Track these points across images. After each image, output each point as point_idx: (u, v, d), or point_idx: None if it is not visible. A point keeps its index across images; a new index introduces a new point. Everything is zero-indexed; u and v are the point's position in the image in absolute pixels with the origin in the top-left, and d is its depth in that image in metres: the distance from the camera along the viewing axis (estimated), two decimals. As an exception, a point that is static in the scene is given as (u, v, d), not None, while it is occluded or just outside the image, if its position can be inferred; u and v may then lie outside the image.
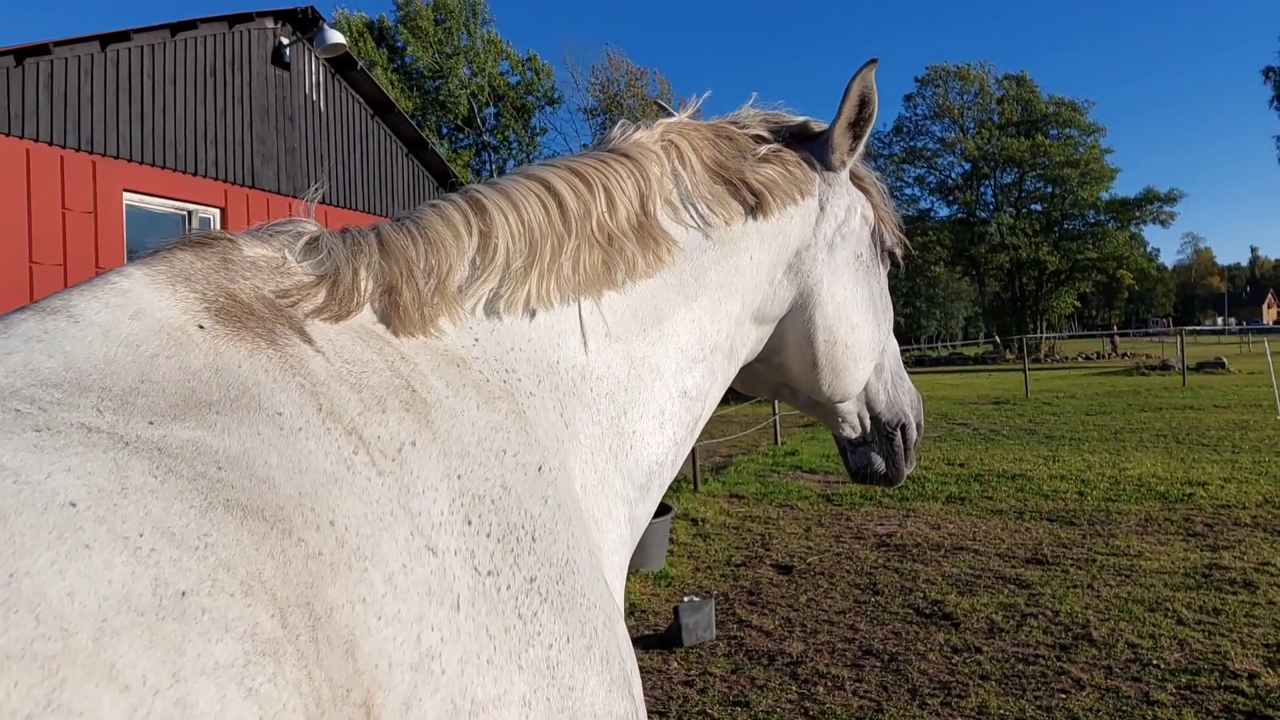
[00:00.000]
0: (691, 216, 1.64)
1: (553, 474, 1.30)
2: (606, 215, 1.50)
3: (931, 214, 70.59)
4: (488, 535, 1.13)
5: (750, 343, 1.82)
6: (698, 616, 6.48)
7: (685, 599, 6.93)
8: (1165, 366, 34.46)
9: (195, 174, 12.84)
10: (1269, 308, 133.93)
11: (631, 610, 7.20)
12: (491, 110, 57.17)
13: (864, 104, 1.74)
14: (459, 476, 1.14)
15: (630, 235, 1.53)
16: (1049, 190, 65.98)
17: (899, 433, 2.08)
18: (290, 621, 0.85)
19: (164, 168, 12.40)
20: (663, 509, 8.88)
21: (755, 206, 1.70)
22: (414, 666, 0.97)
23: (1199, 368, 32.90)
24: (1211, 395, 23.40)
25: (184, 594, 0.79)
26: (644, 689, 5.64)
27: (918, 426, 2.13)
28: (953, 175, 69.67)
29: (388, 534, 1.01)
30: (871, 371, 1.95)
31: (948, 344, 64.33)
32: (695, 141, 1.67)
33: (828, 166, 1.82)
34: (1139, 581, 7.41)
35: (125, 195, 11.94)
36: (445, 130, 55.77)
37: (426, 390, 1.21)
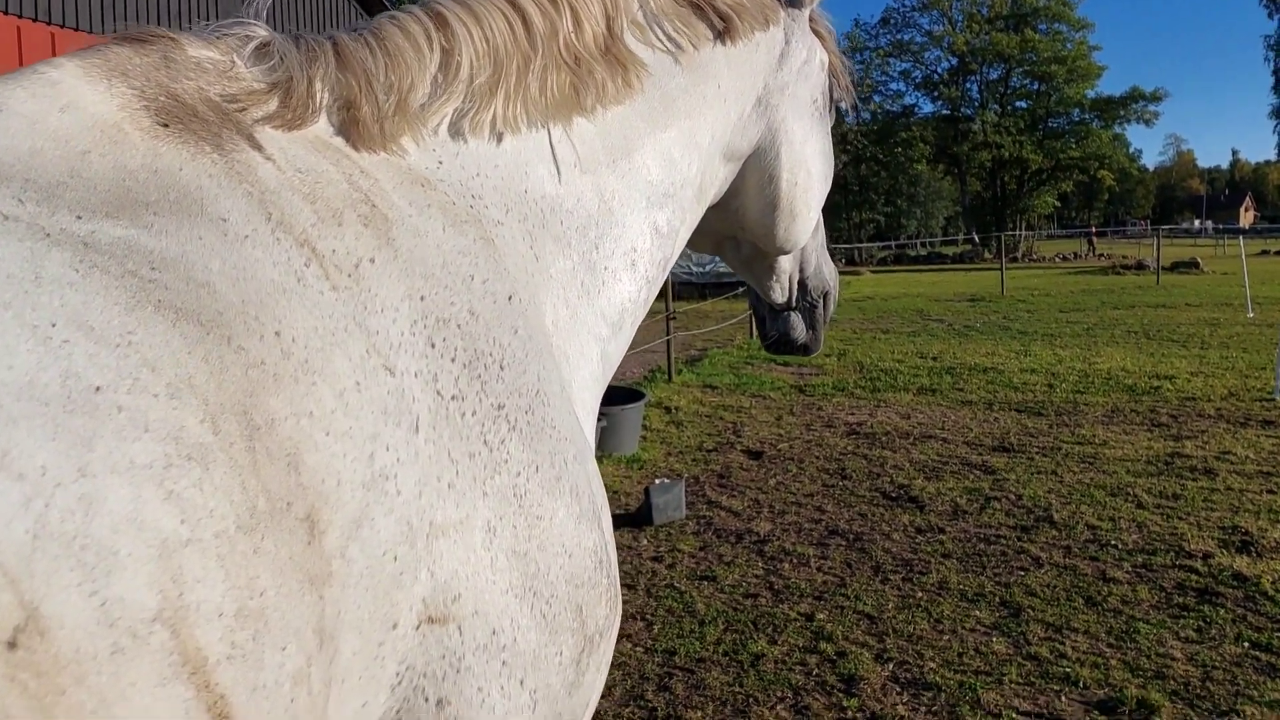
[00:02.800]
0: (659, 38, 1.57)
1: (523, 305, 1.25)
2: (573, 35, 1.42)
3: (916, 109, 69.73)
4: (452, 360, 1.08)
5: (718, 182, 1.80)
6: (668, 497, 6.56)
7: (656, 480, 7.01)
8: (1140, 266, 34.65)
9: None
10: (1246, 210, 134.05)
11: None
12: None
13: None
14: (422, 298, 1.09)
15: (598, 58, 1.46)
16: (1035, 87, 65.23)
17: (822, 300, 2.13)
18: (223, 429, 0.80)
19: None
20: (636, 395, 8.91)
21: (723, 31, 1.64)
22: (366, 485, 0.93)
23: (1173, 268, 33.10)
24: (1184, 294, 23.61)
25: (98, 389, 0.73)
26: (613, 565, 5.74)
27: (834, 300, 2.19)
28: (939, 70, 68.53)
29: (340, 350, 0.96)
30: (811, 229, 1.96)
31: (927, 242, 64.14)
32: None
33: (793, 2, 1.80)
34: (1102, 468, 7.55)
35: (83, 70, 11.46)
36: None
37: (388, 207, 1.14)
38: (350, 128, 1.20)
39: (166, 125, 1.02)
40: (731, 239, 1.99)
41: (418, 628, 0.99)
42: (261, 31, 1.20)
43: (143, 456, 0.73)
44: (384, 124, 1.22)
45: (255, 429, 0.83)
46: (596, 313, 1.49)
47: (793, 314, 2.12)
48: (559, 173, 1.43)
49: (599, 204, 1.49)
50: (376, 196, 1.14)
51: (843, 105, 2.04)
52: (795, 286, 2.08)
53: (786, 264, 2.03)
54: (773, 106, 1.78)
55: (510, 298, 1.22)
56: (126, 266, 0.83)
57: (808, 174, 1.85)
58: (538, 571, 1.10)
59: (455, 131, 1.32)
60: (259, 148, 1.08)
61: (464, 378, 1.09)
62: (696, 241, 1.99)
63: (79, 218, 0.86)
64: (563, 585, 1.13)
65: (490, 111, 1.33)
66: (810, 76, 1.85)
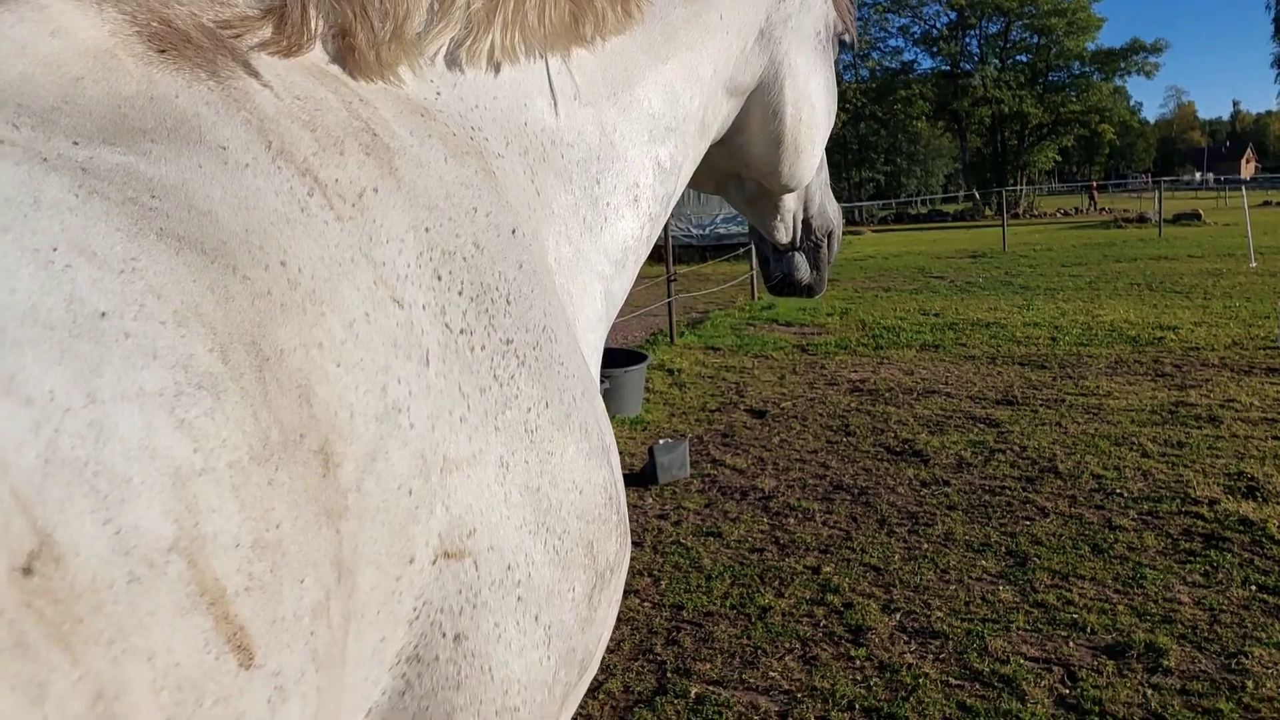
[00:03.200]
0: None
1: (526, 240, 1.23)
2: None
3: (915, 66, 69.13)
4: (459, 293, 1.06)
5: (720, 118, 1.76)
6: (672, 456, 6.56)
7: (660, 440, 7.01)
8: (1142, 219, 34.52)
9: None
10: (1247, 162, 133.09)
11: (607, 452, 7.29)
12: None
13: None
14: (427, 229, 1.07)
15: None
16: (1035, 40, 64.59)
17: (826, 240, 2.10)
18: (232, 359, 0.78)
19: None
20: (638, 358, 8.89)
21: None
22: (379, 418, 0.91)
23: (1175, 220, 32.94)
24: (1186, 246, 23.53)
25: (104, 315, 0.71)
26: (619, 523, 5.76)
27: (838, 239, 2.16)
28: (938, 25, 67.85)
29: (348, 280, 0.94)
30: (815, 166, 1.93)
31: (927, 200, 63.87)
32: None
33: None
34: (1106, 419, 7.54)
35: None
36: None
37: (389, 136, 1.12)
38: (346, 55, 1.17)
39: (162, 51, 0.98)
40: (735, 177, 1.95)
41: (434, 563, 0.98)
42: None
43: (152, 384, 0.71)
44: (379, 51, 1.19)
45: (265, 359, 0.81)
46: (599, 250, 1.46)
47: (796, 254, 2.09)
48: (559, 105, 1.40)
49: (600, 137, 1.46)
50: (377, 125, 1.12)
51: (846, 38, 1.99)
52: (799, 226, 2.06)
53: (791, 202, 2.00)
54: (775, 39, 1.74)
55: (514, 231, 1.20)
56: (126, 193, 0.81)
57: (811, 109, 1.81)
58: (550, 507, 1.09)
59: (453, 61, 1.29)
60: (255, 75, 1.05)
61: (471, 311, 1.07)
62: (700, 180, 1.96)
63: (76, 143, 0.83)
64: (574, 521, 1.13)
65: (488, 40, 1.30)
66: (813, 8, 1.82)
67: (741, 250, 19.51)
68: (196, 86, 0.97)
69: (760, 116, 1.79)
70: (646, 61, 1.53)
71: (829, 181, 2.12)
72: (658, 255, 14.59)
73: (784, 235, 2.06)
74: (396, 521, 0.92)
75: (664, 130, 1.57)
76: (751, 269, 17.69)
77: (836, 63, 2.05)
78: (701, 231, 26.51)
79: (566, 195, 1.40)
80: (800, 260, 2.09)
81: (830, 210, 2.10)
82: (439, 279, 1.05)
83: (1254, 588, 4.42)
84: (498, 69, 1.33)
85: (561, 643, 1.12)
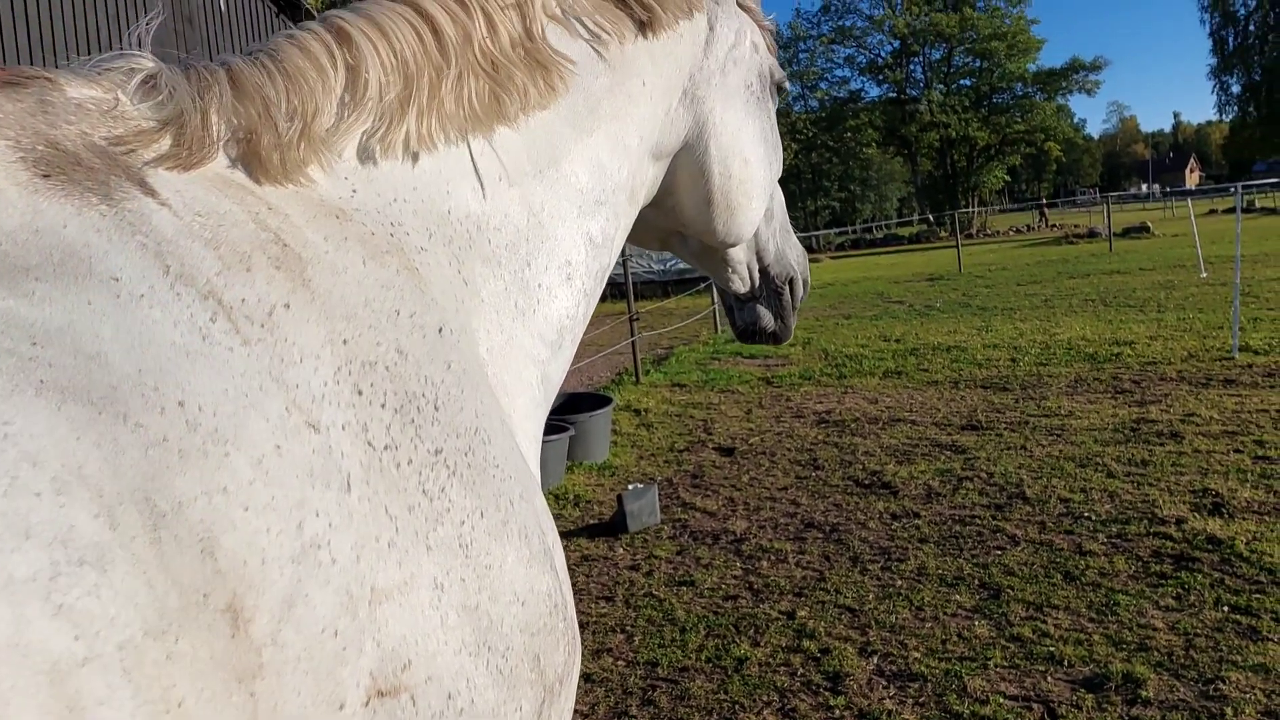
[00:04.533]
0: (580, 34, 1.50)
1: (454, 336, 1.17)
2: (488, 40, 1.34)
3: (863, 94, 70.33)
4: (383, 406, 1.00)
5: (648, 183, 1.73)
6: (641, 502, 6.49)
7: (629, 486, 6.93)
8: (1093, 234, 35.18)
9: (88, 82, 12.02)
10: (1191, 172, 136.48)
11: (575, 501, 7.20)
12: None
13: None
14: (345, 341, 1.01)
15: (517, 62, 1.38)
16: (977, 64, 66.02)
17: (787, 287, 2.05)
18: (122, 522, 0.72)
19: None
20: (604, 401, 8.83)
21: (646, 22, 1.57)
22: (296, 559, 0.85)
23: (1125, 233, 33.61)
24: (1137, 259, 23.96)
25: None
26: (590, 576, 5.66)
27: (804, 283, 2.10)
28: (882, 54, 69.19)
29: (255, 412, 0.88)
30: (762, 216, 1.89)
31: (883, 225, 64.70)
32: None
33: None
34: (1070, 439, 7.58)
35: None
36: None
37: (301, 245, 1.06)
38: (251, 161, 1.11)
39: (47, 177, 0.92)
40: (677, 234, 1.91)
41: (367, 704, 0.91)
42: (147, 63, 1.10)
43: (23, 569, 0.65)
44: (286, 154, 1.13)
45: (160, 516, 0.75)
46: (533, 334, 1.42)
47: (758, 305, 2.05)
48: (483, 188, 1.35)
49: (528, 218, 1.42)
50: (288, 234, 1.06)
51: (786, 86, 1.96)
52: (756, 275, 2.01)
53: (740, 254, 1.96)
54: (699, 99, 1.71)
55: (440, 330, 1.15)
56: (3, 345, 0.75)
57: (744, 163, 1.77)
58: (491, 625, 1.03)
59: (368, 155, 1.23)
60: (152, 193, 0.99)
61: (396, 424, 1.01)
62: (642, 239, 1.93)
63: None
64: (518, 635, 1.06)
65: (403, 131, 1.25)
66: (741, 61, 1.78)
67: (703, 285, 19.56)
68: (87, 213, 0.91)
69: (688, 176, 1.75)
70: (571, 135, 1.49)
71: (788, 225, 2.07)
72: (620, 293, 14.57)
73: (740, 286, 2.01)
74: (322, 668, 0.86)
75: (593, 204, 1.53)
76: (714, 303, 17.74)
77: (783, 98, 2.02)
78: (663, 267, 26.59)
79: (496, 281, 1.36)
80: (762, 310, 2.05)
81: (791, 256, 2.05)
82: (360, 394, 0.99)
83: (1226, 608, 4.42)
84: (416, 158, 1.28)
85: None
